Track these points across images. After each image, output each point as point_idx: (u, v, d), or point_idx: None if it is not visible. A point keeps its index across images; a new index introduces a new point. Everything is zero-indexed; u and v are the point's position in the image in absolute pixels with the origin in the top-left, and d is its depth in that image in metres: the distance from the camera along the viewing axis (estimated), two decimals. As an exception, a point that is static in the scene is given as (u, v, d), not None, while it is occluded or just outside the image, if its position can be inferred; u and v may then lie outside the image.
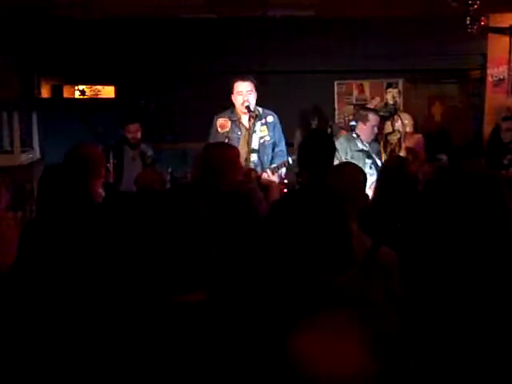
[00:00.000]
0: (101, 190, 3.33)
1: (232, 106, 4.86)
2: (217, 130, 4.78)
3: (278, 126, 4.84)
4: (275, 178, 4.46)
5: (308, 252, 1.53)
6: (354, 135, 5.12)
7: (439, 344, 1.86)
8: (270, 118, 4.82)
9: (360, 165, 4.58)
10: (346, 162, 3.83)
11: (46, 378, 2.25)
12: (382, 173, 3.68)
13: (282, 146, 4.84)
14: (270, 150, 4.79)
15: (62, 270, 2.48)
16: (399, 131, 5.95)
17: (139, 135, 6.07)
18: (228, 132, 4.75)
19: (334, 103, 8.15)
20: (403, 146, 5.84)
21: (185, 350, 1.53)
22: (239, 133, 4.77)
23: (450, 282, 1.95)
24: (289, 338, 1.19)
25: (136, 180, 3.95)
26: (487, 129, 6.96)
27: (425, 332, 1.88)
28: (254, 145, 4.65)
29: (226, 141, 4.69)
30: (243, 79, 4.78)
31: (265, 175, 4.51)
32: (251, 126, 4.74)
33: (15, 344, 2.33)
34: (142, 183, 3.85)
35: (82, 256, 2.54)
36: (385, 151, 5.81)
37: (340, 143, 5.10)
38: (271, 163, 4.71)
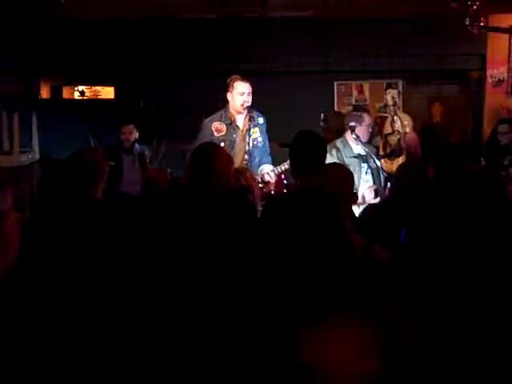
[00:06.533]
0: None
1: (224, 107, 4.85)
2: (212, 134, 4.77)
3: (266, 127, 4.92)
4: (274, 180, 4.57)
5: (305, 255, 1.53)
6: (349, 138, 5.09)
7: (439, 343, 1.86)
8: (260, 120, 4.85)
9: (355, 171, 4.57)
10: (334, 163, 3.81)
11: (46, 376, 2.25)
12: (398, 178, 3.68)
13: (268, 147, 4.94)
14: (259, 152, 4.82)
15: (63, 270, 2.49)
16: (399, 132, 5.93)
17: (132, 138, 6.06)
18: (224, 135, 4.76)
19: (333, 104, 8.14)
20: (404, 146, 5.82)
21: (170, 344, 1.54)
22: (235, 135, 4.79)
23: (450, 280, 1.95)
24: (298, 338, 1.18)
25: (145, 175, 4.03)
26: (487, 129, 6.95)
27: (424, 331, 1.88)
28: (250, 146, 4.67)
29: (222, 144, 4.70)
30: (243, 80, 4.77)
31: (267, 177, 4.59)
32: (246, 128, 4.75)
33: (16, 343, 2.33)
34: (149, 179, 3.94)
35: (83, 256, 2.55)
36: (384, 152, 5.80)
37: (330, 152, 4.93)
38: (260, 164, 4.77)
